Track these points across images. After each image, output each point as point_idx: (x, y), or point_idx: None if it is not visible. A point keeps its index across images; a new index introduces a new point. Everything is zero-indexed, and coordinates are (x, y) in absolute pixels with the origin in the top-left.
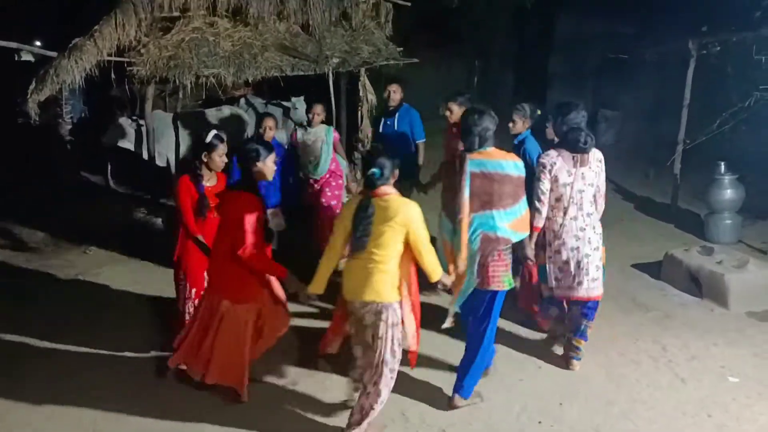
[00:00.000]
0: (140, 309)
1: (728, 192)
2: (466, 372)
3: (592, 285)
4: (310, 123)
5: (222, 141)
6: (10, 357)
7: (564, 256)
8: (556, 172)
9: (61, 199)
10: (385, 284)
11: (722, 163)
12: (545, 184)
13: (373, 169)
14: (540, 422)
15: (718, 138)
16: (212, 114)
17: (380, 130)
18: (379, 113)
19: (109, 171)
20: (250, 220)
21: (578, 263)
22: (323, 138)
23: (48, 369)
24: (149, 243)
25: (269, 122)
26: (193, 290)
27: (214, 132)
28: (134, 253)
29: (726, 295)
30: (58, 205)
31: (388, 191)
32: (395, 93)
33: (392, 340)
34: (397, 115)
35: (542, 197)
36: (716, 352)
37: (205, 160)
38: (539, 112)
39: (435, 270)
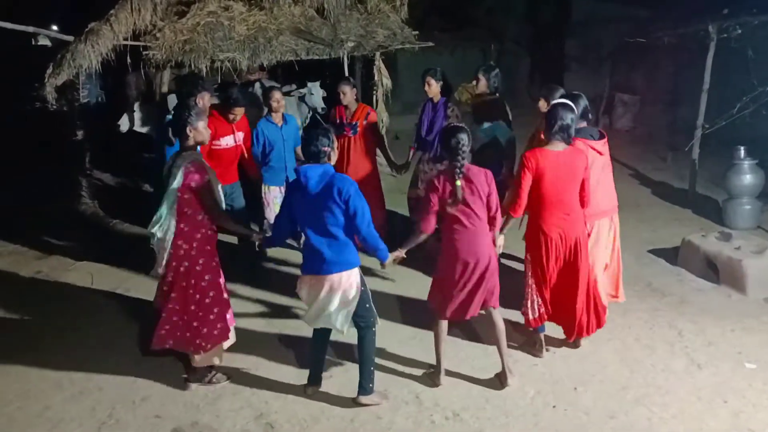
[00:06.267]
0: None
1: (747, 177)
2: None
3: None
4: None
5: None
6: (34, 335)
7: None
8: None
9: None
10: None
11: (742, 148)
12: None
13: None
14: (554, 406)
15: (737, 123)
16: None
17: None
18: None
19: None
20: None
21: None
22: None
23: (69, 350)
24: None
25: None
26: None
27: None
28: None
29: (744, 281)
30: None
31: None
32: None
33: None
34: None
35: None
36: (733, 337)
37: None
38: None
39: None
